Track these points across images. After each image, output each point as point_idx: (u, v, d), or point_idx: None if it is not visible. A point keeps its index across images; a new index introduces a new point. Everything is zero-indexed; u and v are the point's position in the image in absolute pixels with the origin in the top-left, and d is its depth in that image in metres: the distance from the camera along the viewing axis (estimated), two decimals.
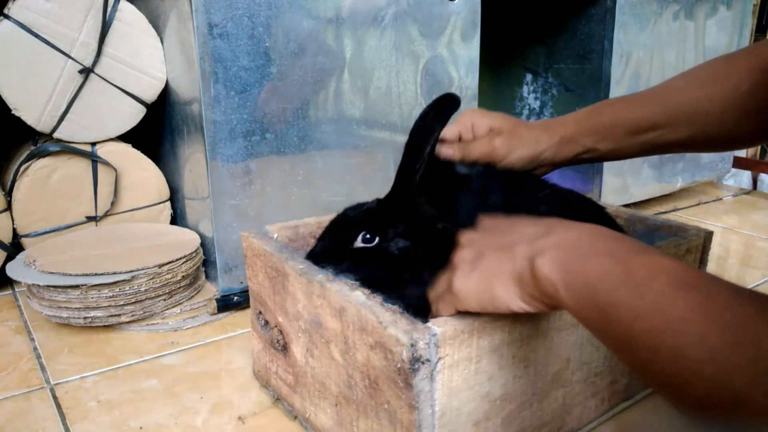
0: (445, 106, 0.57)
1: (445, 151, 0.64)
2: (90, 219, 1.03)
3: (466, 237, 0.48)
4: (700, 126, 0.58)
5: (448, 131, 0.66)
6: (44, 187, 0.98)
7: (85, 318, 0.83)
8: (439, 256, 0.51)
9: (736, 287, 0.32)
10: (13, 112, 0.94)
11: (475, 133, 0.66)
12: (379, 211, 0.59)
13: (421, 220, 0.57)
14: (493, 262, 0.43)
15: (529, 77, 1.47)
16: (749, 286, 0.75)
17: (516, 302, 0.42)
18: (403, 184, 0.57)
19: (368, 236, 0.56)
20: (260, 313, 0.67)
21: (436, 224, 0.56)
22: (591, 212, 0.67)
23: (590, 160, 0.67)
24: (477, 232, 0.48)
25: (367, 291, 0.50)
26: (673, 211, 1.47)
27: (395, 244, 0.56)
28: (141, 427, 0.63)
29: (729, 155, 1.62)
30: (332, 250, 0.59)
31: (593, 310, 0.36)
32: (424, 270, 0.53)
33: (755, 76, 0.54)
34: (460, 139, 0.67)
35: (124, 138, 1.06)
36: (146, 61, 1.00)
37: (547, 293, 0.40)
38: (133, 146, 1.05)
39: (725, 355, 0.29)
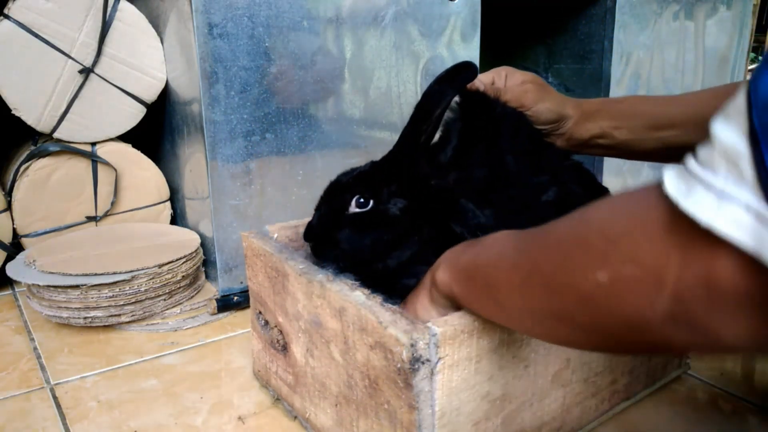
0: (460, 73, 0.57)
1: (478, 85, 0.66)
2: (90, 219, 1.03)
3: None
4: None
5: (483, 76, 0.68)
6: (44, 187, 0.98)
7: (85, 318, 0.83)
8: (433, 212, 0.54)
9: (538, 230, 0.40)
10: (13, 112, 0.94)
11: (507, 83, 0.68)
12: (372, 172, 0.58)
13: (416, 178, 0.56)
14: (417, 288, 0.54)
15: None
16: None
17: (426, 309, 0.52)
18: (406, 144, 0.57)
19: (362, 200, 0.55)
20: (260, 313, 0.67)
21: (430, 181, 0.56)
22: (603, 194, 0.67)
23: (603, 150, 0.70)
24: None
25: (367, 291, 0.50)
26: None
27: (394, 205, 0.55)
28: (136, 430, 0.63)
29: None
30: (328, 219, 0.58)
31: (468, 284, 0.46)
32: (423, 227, 0.54)
33: None
34: (493, 83, 0.69)
35: (124, 138, 1.06)
36: (146, 61, 1.00)
37: (445, 293, 0.49)
38: (133, 146, 1.05)
39: (527, 249, 0.40)
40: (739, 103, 0.28)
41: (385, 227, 0.55)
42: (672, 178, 0.30)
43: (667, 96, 0.69)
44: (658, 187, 0.30)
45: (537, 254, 0.39)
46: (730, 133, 0.27)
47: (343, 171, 0.62)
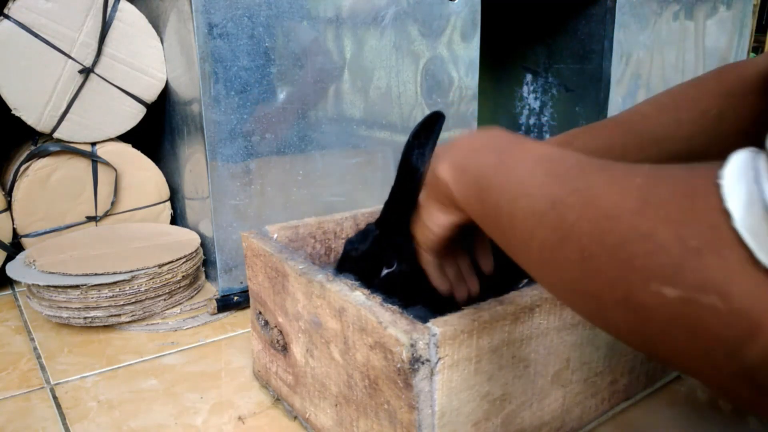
0: (435, 123, 0.58)
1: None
2: (90, 219, 1.03)
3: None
4: (669, 151, 0.57)
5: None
6: (44, 187, 0.98)
7: (85, 318, 0.83)
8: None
9: (586, 158, 0.33)
10: (13, 112, 0.94)
11: None
12: (383, 242, 0.62)
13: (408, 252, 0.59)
14: (424, 203, 0.48)
15: (529, 77, 1.47)
16: None
17: (435, 223, 0.46)
18: (397, 208, 0.59)
19: (390, 264, 0.60)
20: (260, 313, 0.67)
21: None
22: None
23: None
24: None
25: (366, 291, 0.50)
26: None
27: (406, 267, 0.59)
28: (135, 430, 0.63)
29: None
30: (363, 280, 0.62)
31: (474, 199, 0.39)
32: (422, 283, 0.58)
33: (723, 100, 0.53)
34: None
35: (124, 138, 1.06)
36: (146, 61, 1.00)
37: (446, 194, 0.43)
38: (133, 146, 1.05)
39: (563, 200, 0.31)
40: None
41: (408, 283, 0.59)
42: (734, 173, 0.23)
43: (607, 121, 0.59)
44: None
45: (576, 219, 0.30)
46: None
47: (350, 242, 0.64)
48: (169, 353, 0.79)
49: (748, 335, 0.22)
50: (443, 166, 0.43)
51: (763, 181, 0.22)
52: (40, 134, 1.02)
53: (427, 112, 1.05)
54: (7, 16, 0.91)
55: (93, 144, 1.01)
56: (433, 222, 0.48)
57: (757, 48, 3.10)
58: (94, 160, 1.00)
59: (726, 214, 0.23)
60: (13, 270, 0.88)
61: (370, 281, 0.57)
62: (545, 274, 0.33)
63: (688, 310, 0.24)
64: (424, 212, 0.49)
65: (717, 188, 0.24)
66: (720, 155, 0.24)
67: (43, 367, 0.76)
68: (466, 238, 0.56)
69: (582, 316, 0.33)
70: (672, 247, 0.25)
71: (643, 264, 0.26)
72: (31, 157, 0.97)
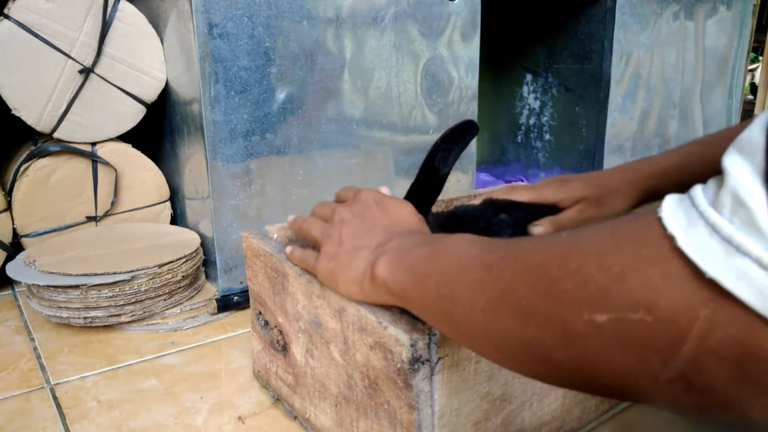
0: (468, 132, 0.59)
1: (537, 230, 0.64)
2: (90, 219, 1.03)
3: (339, 215, 0.52)
4: None
5: (528, 197, 0.67)
6: (44, 187, 0.98)
7: (85, 318, 0.83)
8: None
9: (508, 244, 0.36)
10: (13, 112, 0.94)
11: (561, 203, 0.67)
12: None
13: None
14: (344, 260, 0.49)
15: (529, 77, 1.47)
16: None
17: (353, 297, 0.49)
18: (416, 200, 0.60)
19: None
20: (260, 313, 0.67)
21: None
22: None
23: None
24: (348, 217, 0.52)
25: None
26: None
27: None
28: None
29: None
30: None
31: (412, 290, 0.41)
32: None
33: None
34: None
35: (124, 138, 1.06)
36: (146, 61, 1.00)
37: (378, 288, 0.45)
38: (133, 146, 1.05)
39: (497, 263, 0.35)
40: (755, 136, 0.24)
41: None
42: (672, 205, 0.26)
43: (680, 149, 0.63)
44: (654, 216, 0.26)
45: (511, 274, 0.33)
46: (743, 170, 0.24)
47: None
48: (169, 353, 0.79)
49: (677, 340, 0.25)
50: (380, 266, 0.45)
51: (699, 203, 0.25)
52: (40, 134, 1.02)
53: (427, 112, 1.05)
54: (7, 16, 0.91)
55: (93, 144, 1.01)
56: (341, 292, 0.50)
57: (757, 48, 3.09)
58: (94, 160, 1.00)
59: (669, 238, 0.25)
60: (13, 270, 0.88)
61: None
62: (492, 338, 0.34)
63: (620, 329, 0.26)
64: (333, 276, 0.50)
65: (658, 220, 0.26)
66: None
67: (43, 367, 0.76)
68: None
69: (529, 371, 0.34)
70: (597, 276, 0.27)
71: (573, 297, 0.28)
72: (31, 157, 0.97)
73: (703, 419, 0.27)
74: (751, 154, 0.24)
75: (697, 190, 0.25)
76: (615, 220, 0.30)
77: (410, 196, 0.59)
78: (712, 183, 0.25)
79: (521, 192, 0.66)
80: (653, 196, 0.65)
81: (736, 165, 0.24)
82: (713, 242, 0.24)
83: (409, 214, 0.52)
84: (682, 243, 0.24)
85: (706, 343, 0.24)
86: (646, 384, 0.27)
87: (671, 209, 0.26)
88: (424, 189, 0.58)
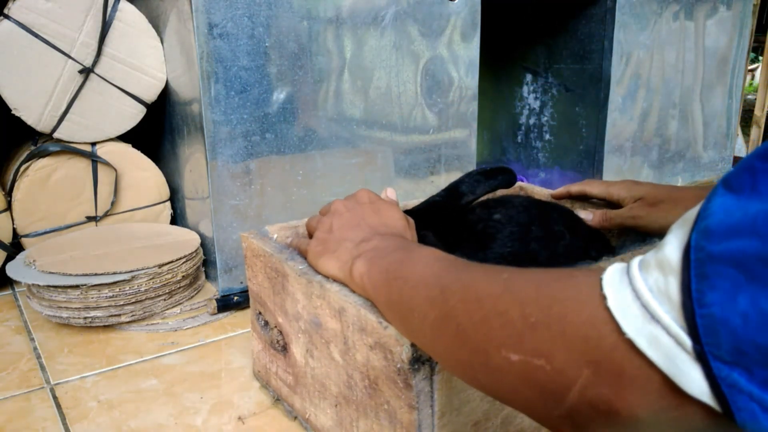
0: (502, 174, 0.62)
1: (585, 216, 0.70)
2: (90, 219, 1.03)
3: (334, 206, 0.58)
4: None
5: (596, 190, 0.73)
6: (44, 187, 0.98)
7: (85, 318, 0.83)
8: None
9: (465, 270, 0.40)
10: (13, 112, 0.94)
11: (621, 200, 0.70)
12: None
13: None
14: (331, 246, 0.54)
15: (529, 77, 1.47)
16: None
17: (331, 275, 0.53)
18: (427, 219, 0.62)
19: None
20: (260, 313, 0.67)
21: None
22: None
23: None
24: (341, 209, 0.57)
25: None
26: None
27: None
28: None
29: (729, 155, 1.62)
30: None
31: (383, 287, 0.46)
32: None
33: None
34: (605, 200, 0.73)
35: (124, 138, 1.06)
36: (146, 61, 1.00)
37: (356, 281, 0.50)
38: (133, 146, 1.05)
39: (449, 286, 0.39)
40: (692, 212, 0.26)
41: None
42: (613, 270, 0.29)
43: None
44: (597, 277, 0.29)
45: (456, 302, 0.37)
46: (673, 242, 0.26)
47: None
48: (169, 353, 0.79)
49: (565, 389, 0.29)
50: (360, 261, 0.49)
51: (632, 269, 0.27)
52: (40, 134, 1.02)
53: (427, 112, 1.05)
54: (7, 16, 0.91)
55: (93, 144, 1.01)
56: (324, 272, 0.54)
57: (757, 48, 3.10)
58: (94, 160, 1.00)
59: (602, 297, 0.28)
60: (13, 270, 0.88)
61: None
62: (435, 348, 0.40)
63: (527, 370, 0.31)
64: (320, 260, 0.55)
65: (600, 280, 0.29)
66: None
67: (43, 367, 0.76)
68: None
69: (463, 380, 0.40)
70: (517, 322, 0.32)
71: (496, 335, 0.33)
72: (31, 157, 0.97)
73: None
74: (684, 228, 0.26)
75: (635, 260, 0.28)
76: (558, 271, 0.34)
77: (433, 204, 0.61)
78: (651, 251, 0.28)
79: (595, 185, 0.74)
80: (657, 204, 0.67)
81: (671, 236, 0.26)
82: (635, 307, 0.26)
83: (397, 217, 0.56)
84: (611, 303, 0.27)
85: (585, 396, 0.28)
86: (544, 416, 0.32)
87: (612, 272, 0.29)
88: (445, 205, 0.61)
